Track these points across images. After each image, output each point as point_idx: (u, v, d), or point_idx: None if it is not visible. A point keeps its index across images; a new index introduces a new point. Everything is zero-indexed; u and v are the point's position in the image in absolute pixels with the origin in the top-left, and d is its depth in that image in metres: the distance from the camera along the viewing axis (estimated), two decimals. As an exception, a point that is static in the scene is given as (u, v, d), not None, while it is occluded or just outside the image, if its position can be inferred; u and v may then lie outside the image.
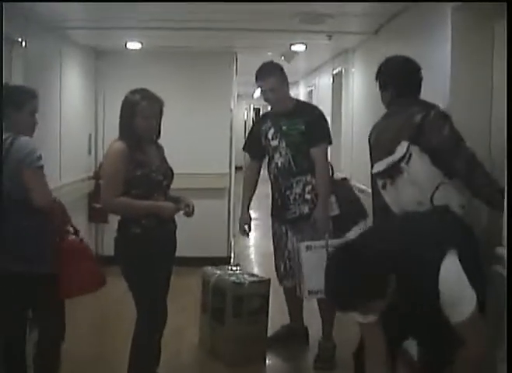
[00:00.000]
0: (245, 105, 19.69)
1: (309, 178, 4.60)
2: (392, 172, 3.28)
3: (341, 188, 4.63)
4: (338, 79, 7.91)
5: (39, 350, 3.68)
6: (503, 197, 2.92)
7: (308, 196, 4.60)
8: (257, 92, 16.95)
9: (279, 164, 4.65)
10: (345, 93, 7.43)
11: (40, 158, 3.46)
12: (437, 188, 3.21)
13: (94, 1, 4.64)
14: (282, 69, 4.70)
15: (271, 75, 4.62)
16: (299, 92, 13.12)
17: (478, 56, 3.77)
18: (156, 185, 3.74)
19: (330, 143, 4.70)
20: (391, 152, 3.38)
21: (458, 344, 2.71)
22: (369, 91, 6.33)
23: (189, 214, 3.87)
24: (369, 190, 4.25)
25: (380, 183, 3.41)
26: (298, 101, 4.82)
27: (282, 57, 7.46)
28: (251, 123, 23.64)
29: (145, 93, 3.74)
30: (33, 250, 3.45)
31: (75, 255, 3.59)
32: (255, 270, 6.88)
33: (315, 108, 4.90)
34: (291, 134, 4.60)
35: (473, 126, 3.68)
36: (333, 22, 5.31)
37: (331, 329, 4.79)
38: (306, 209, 4.61)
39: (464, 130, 3.40)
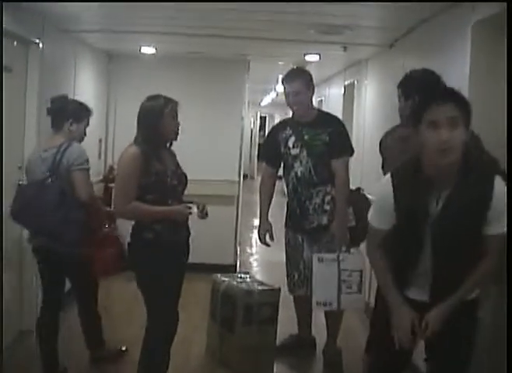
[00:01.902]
0: (252, 113, 19.71)
1: (328, 188, 4.61)
2: None
3: (357, 199, 4.62)
4: (349, 90, 7.90)
5: (81, 319, 4.54)
6: None
7: (327, 207, 4.61)
8: (266, 100, 17.01)
9: (299, 173, 4.65)
10: (356, 104, 7.42)
11: (87, 161, 4.11)
12: None
13: (104, 1, 4.62)
14: (310, 75, 4.72)
15: (299, 78, 4.64)
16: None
17: (497, 73, 3.75)
18: (170, 191, 3.74)
19: (351, 155, 4.71)
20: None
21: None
22: (381, 103, 6.34)
23: (202, 216, 3.88)
24: None
25: None
26: (320, 111, 4.82)
27: (294, 67, 7.46)
28: (258, 131, 23.77)
29: (165, 97, 3.76)
30: (77, 236, 3.96)
31: (108, 242, 3.79)
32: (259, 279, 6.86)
33: (338, 119, 4.91)
34: (314, 145, 4.60)
35: (490, 143, 3.67)
36: (349, 33, 5.31)
37: (336, 336, 4.87)
38: (324, 220, 4.61)
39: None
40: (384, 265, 3.02)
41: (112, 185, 6.87)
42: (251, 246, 9.73)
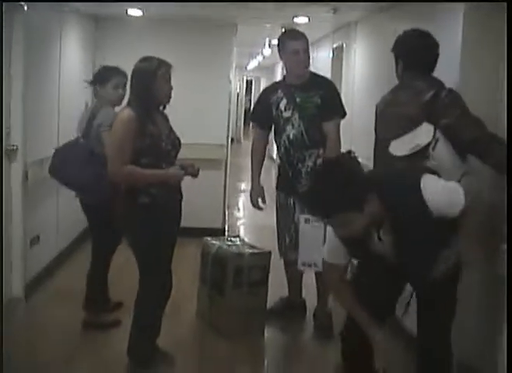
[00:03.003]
0: (238, 77, 19.57)
1: (321, 151, 4.59)
2: (416, 158, 3.21)
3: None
4: (338, 53, 7.83)
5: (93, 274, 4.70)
6: None
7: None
8: (252, 64, 16.87)
9: (291, 136, 4.62)
10: (345, 68, 7.37)
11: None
12: (462, 177, 3.19)
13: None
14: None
15: (304, 36, 4.60)
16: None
17: (490, 39, 3.70)
18: (164, 154, 3.73)
19: (343, 117, 4.69)
20: (400, 128, 3.36)
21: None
22: (371, 67, 6.29)
23: (194, 174, 3.91)
24: (369, 165, 4.27)
25: (400, 166, 3.32)
26: (312, 73, 4.74)
27: (283, 29, 7.39)
28: (244, 95, 23.65)
29: (158, 59, 3.72)
30: (106, 190, 3.93)
31: None
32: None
33: (330, 81, 4.88)
34: (306, 107, 4.57)
35: (481, 107, 3.62)
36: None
37: (327, 298, 4.87)
38: None
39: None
40: (348, 293, 3.03)
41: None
42: (239, 210, 9.75)
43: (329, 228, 2.92)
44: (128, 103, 3.72)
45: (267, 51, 10.80)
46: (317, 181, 2.72)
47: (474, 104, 3.44)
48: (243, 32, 7.74)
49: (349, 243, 2.89)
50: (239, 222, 8.91)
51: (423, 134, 3.25)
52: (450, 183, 2.86)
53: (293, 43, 4.55)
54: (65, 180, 4.41)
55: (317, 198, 2.65)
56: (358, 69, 6.80)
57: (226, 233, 7.54)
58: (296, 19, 6.64)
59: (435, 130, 3.23)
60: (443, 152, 3.23)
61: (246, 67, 18.18)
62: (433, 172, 2.92)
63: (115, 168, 3.64)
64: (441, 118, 3.30)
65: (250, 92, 25.55)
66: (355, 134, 6.27)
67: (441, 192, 2.79)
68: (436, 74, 3.61)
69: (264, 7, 6.20)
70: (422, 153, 3.20)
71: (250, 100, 25.05)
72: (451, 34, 3.94)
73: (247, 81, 23.96)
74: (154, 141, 3.66)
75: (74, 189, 4.47)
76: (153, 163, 3.67)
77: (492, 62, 3.64)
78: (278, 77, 16.21)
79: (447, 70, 3.76)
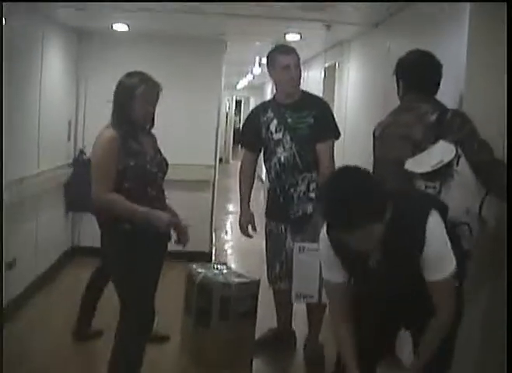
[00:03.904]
0: (227, 96, 19.38)
1: (314, 175, 4.36)
2: (440, 175, 3.04)
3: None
4: (330, 73, 7.63)
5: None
6: None
7: (313, 195, 4.36)
8: (242, 83, 16.71)
9: (282, 159, 4.38)
10: (338, 88, 7.16)
11: None
12: (486, 195, 3.04)
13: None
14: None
15: (295, 52, 4.40)
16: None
17: (496, 52, 3.51)
18: (150, 177, 3.48)
19: (337, 138, 4.47)
20: (402, 150, 3.24)
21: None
22: (365, 86, 6.10)
23: (183, 241, 3.68)
24: None
25: (422, 184, 3.14)
26: (304, 92, 4.52)
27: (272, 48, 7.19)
28: (233, 115, 23.49)
29: (143, 76, 3.48)
30: None
31: None
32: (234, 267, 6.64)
33: (323, 100, 4.67)
34: (298, 128, 4.34)
35: (488, 125, 3.44)
36: (332, 11, 5.05)
37: (318, 330, 4.65)
38: (310, 208, 4.37)
39: (480, 128, 3.25)
40: (348, 334, 2.80)
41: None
42: (226, 233, 9.50)
43: (325, 247, 2.75)
44: (111, 122, 3.47)
45: (257, 70, 10.68)
46: (340, 191, 2.47)
47: (481, 120, 3.30)
48: (232, 50, 7.54)
49: (351, 260, 2.71)
50: (226, 245, 8.66)
51: (444, 150, 3.08)
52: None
53: (284, 58, 4.33)
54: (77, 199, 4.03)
55: (341, 209, 2.41)
56: (351, 89, 6.60)
57: (213, 257, 7.29)
58: (287, 37, 6.42)
59: (457, 146, 3.07)
60: (466, 168, 3.06)
61: (235, 87, 18.02)
62: (442, 206, 2.73)
63: (100, 192, 3.37)
64: (444, 139, 3.14)
65: (240, 112, 25.41)
66: (348, 156, 6.04)
67: (442, 239, 2.62)
68: (439, 91, 3.46)
69: (254, 23, 6.00)
70: (446, 170, 3.03)
71: (240, 120, 24.93)
72: (453, 50, 3.73)
73: (236, 100, 23.80)
74: (138, 163, 3.41)
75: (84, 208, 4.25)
76: (137, 187, 3.42)
77: (500, 75, 3.44)
78: (268, 96, 16.05)
79: (450, 87, 3.58)
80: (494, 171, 3.12)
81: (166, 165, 3.62)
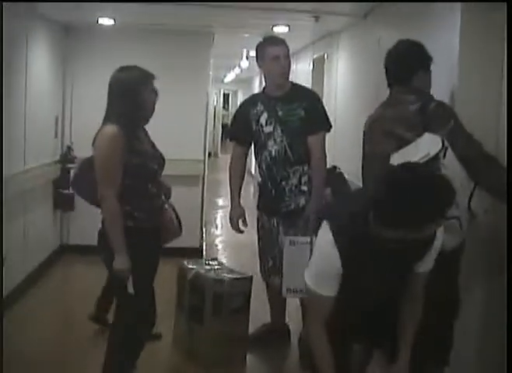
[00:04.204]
0: (215, 89, 19.27)
1: (306, 168, 4.30)
2: (428, 168, 2.89)
3: (336, 179, 4.32)
4: (318, 64, 7.57)
5: None
6: None
7: (305, 188, 4.30)
8: (229, 77, 16.62)
9: (273, 152, 4.31)
10: (327, 80, 7.11)
11: None
12: (474, 188, 3.01)
13: None
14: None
15: (284, 43, 4.33)
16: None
17: (490, 43, 3.46)
18: (151, 174, 3.42)
19: (329, 130, 4.40)
20: (386, 143, 3.17)
21: None
22: (355, 78, 6.05)
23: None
24: (354, 181, 4.15)
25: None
26: (294, 84, 4.46)
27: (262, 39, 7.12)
28: (221, 108, 23.38)
29: (142, 69, 3.41)
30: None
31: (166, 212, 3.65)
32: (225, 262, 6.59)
33: (313, 92, 4.60)
34: (289, 120, 4.27)
35: (481, 119, 3.41)
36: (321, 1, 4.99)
37: None
38: (302, 201, 4.30)
39: (473, 123, 3.19)
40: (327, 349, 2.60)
41: (70, 165, 6.53)
42: (216, 227, 9.44)
43: (321, 246, 2.53)
44: (108, 118, 3.35)
45: (244, 63, 10.59)
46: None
47: (474, 114, 3.27)
48: (220, 43, 7.45)
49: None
50: (217, 240, 8.59)
51: (430, 142, 3.01)
52: None
53: (273, 49, 4.27)
54: (84, 195, 3.94)
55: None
56: (340, 80, 6.54)
57: (204, 252, 7.22)
58: (275, 29, 6.35)
59: (443, 138, 3.01)
60: (454, 161, 3.03)
61: (223, 80, 17.91)
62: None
63: (107, 196, 3.27)
64: (428, 132, 3.07)
65: (227, 106, 25.31)
66: (338, 150, 5.99)
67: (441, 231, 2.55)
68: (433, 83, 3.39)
69: (242, 15, 5.93)
70: (433, 163, 2.95)
71: (228, 114, 24.83)
72: (445, 41, 3.67)
73: (224, 94, 23.68)
74: (141, 161, 3.35)
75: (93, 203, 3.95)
76: (139, 184, 3.35)
77: (494, 67, 3.41)
78: (256, 90, 15.98)
79: (442, 79, 3.52)
80: (482, 164, 3.05)
81: (163, 160, 3.56)
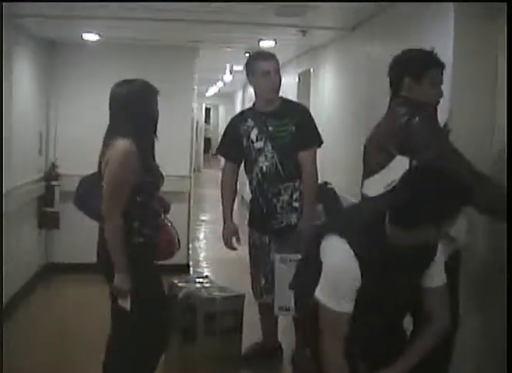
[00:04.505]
0: (196, 104, 19.20)
1: (297, 184, 4.25)
2: None
3: (326, 194, 4.28)
4: (304, 79, 7.53)
5: None
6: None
7: (296, 204, 4.25)
8: (211, 91, 16.58)
9: (264, 168, 4.26)
10: (313, 94, 7.07)
11: None
12: None
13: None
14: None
15: (275, 58, 4.29)
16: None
17: (482, 53, 3.45)
18: (157, 190, 3.40)
19: (319, 146, 4.35)
20: (379, 160, 3.08)
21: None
22: (343, 92, 6.01)
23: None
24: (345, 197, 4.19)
25: None
26: (284, 99, 4.42)
27: (247, 54, 7.08)
28: (203, 123, 23.33)
29: (147, 82, 3.38)
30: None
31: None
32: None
33: (304, 107, 4.56)
34: (279, 136, 4.22)
35: (476, 127, 3.44)
36: (309, 15, 4.95)
37: (306, 346, 4.43)
38: (294, 218, 4.25)
39: (467, 131, 3.25)
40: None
41: (54, 183, 6.43)
42: (201, 243, 9.35)
43: (337, 261, 2.47)
44: (118, 132, 3.24)
45: (228, 77, 10.55)
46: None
47: (467, 122, 3.32)
48: (203, 57, 7.40)
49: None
50: (202, 256, 8.51)
51: (398, 167, 2.86)
52: None
53: (264, 64, 4.22)
54: (89, 211, 3.74)
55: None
56: (328, 94, 6.50)
57: (191, 268, 7.15)
58: (261, 43, 6.30)
59: (410, 161, 2.89)
60: None
61: (205, 94, 17.86)
62: None
63: (113, 216, 3.19)
64: (412, 148, 2.95)
65: (209, 120, 25.29)
66: (326, 166, 5.95)
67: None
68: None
69: (229, 29, 5.89)
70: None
71: (210, 128, 24.84)
72: (441, 51, 3.62)
73: (206, 108, 23.65)
74: (154, 178, 3.33)
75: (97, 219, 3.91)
76: (146, 202, 3.30)
77: (487, 76, 3.42)
78: (238, 104, 15.97)
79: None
80: (474, 185, 2.78)
81: (163, 176, 3.50)
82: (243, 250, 4.58)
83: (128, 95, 3.31)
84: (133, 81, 3.36)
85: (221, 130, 22.76)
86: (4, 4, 4.73)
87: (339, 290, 2.47)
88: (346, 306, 2.47)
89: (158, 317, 3.40)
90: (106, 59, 6.64)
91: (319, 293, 2.52)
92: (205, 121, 24.22)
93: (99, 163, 3.33)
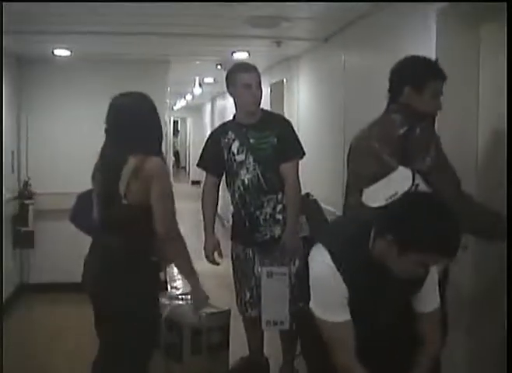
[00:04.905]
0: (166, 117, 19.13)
1: (280, 196, 4.21)
2: None
3: (310, 206, 4.24)
4: (277, 90, 7.51)
5: None
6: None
7: (279, 217, 4.21)
8: (180, 104, 16.50)
9: (246, 181, 4.21)
10: (287, 104, 7.05)
11: None
12: None
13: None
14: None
15: (256, 70, 4.25)
16: (228, 104, 12.67)
17: (465, 61, 3.46)
18: None
19: (301, 157, 4.31)
20: (371, 165, 3.04)
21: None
22: (317, 101, 6.01)
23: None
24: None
25: None
26: (265, 111, 4.39)
27: (219, 66, 7.06)
28: (172, 135, 23.22)
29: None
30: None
31: None
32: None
33: (285, 119, 4.53)
34: (261, 149, 4.18)
35: (460, 132, 3.47)
36: (284, 27, 4.94)
37: (293, 357, 4.43)
38: (277, 231, 4.21)
39: (451, 136, 3.26)
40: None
41: (28, 202, 6.32)
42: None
43: (321, 272, 2.48)
44: (142, 149, 3.06)
45: (197, 90, 10.47)
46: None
47: (451, 128, 3.34)
48: (172, 70, 7.35)
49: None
50: (176, 271, 8.39)
51: (401, 179, 2.86)
52: None
53: (245, 76, 4.18)
54: (86, 228, 3.62)
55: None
56: (302, 105, 6.49)
57: (168, 286, 7.06)
58: (235, 55, 6.28)
59: (413, 174, 2.86)
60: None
61: (172, 107, 17.78)
62: None
63: (176, 228, 3.15)
64: (412, 159, 2.93)
65: (177, 133, 25.19)
66: (302, 176, 5.92)
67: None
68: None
69: (201, 42, 5.85)
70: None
71: (178, 141, 24.72)
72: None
73: (174, 121, 23.55)
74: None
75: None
76: None
77: (469, 83, 3.46)
78: (207, 117, 15.92)
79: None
80: (466, 210, 2.88)
81: None
82: (222, 264, 4.52)
83: (143, 108, 3.23)
84: (138, 93, 3.28)
85: (189, 143, 22.77)
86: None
87: (328, 301, 2.48)
88: (342, 314, 2.48)
89: (151, 339, 3.37)
90: (78, 74, 6.58)
91: (312, 307, 2.52)
92: (173, 134, 24.15)
93: (115, 181, 3.06)
